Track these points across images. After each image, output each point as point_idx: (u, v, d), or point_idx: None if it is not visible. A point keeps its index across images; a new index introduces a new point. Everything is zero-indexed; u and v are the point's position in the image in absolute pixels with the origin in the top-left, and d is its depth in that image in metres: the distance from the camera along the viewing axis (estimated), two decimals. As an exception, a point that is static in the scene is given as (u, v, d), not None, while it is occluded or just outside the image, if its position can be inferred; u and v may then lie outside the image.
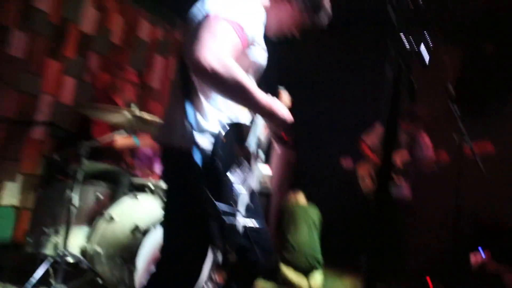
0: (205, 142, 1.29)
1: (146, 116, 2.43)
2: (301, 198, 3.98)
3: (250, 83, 1.25)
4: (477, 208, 3.80)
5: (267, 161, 4.18)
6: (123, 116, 2.41)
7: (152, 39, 4.11)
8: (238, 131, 1.41)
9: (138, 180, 3.01)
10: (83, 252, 2.49)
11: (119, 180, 2.90)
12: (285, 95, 1.75)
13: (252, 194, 1.57)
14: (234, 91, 1.22)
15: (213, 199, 1.21)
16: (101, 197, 2.66)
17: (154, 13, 4.07)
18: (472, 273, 3.05)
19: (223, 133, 1.30)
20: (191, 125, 1.28)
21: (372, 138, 3.84)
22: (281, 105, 1.41)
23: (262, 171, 4.00)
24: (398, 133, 0.84)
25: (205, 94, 1.35)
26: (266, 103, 1.31)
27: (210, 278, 2.60)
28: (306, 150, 4.92)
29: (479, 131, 3.78)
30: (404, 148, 3.73)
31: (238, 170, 1.39)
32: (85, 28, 3.52)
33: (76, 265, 2.52)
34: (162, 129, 1.46)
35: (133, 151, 3.87)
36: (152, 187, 2.87)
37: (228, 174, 1.32)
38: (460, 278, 3.00)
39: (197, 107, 1.33)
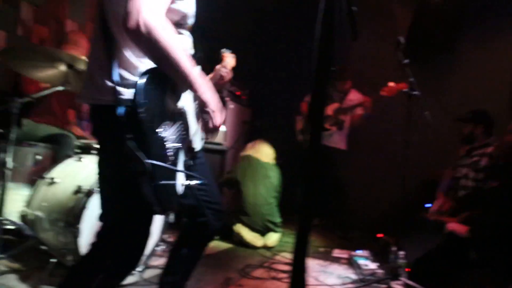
0: (130, 95, 1.19)
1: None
2: (263, 150, 3.84)
3: (183, 54, 1.20)
4: (425, 161, 3.98)
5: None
6: (55, 70, 2.21)
7: (94, -12, 3.77)
8: (167, 80, 1.28)
9: (84, 142, 2.85)
10: (23, 217, 2.34)
11: (61, 142, 2.74)
12: (229, 57, 1.68)
13: (194, 152, 1.50)
14: (163, 57, 1.15)
15: (139, 155, 1.10)
16: (40, 157, 2.48)
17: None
18: (419, 226, 3.22)
19: (146, 78, 1.17)
20: (116, 80, 1.19)
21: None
22: (206, 85, 1.33)
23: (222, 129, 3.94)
24: (327, 85, 0.81)
25: (130, 46, 1.23)
26: (195, 80, 1.26)
27: (161, 239, 2.56)
28: (260, 108, 4.88)
29: (429, 85, 3.91)
30: (336, 102, 4.09)
31: (173, 126, 1.30)
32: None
33: (16, 232, 2.39)
34: (86, 85, 1.32)
35: (79, 111, 3.66)
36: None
37: (158, 129, 1.21)
38: (409, 231, 3.16)
39: (121, 60, 1.23)
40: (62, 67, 2.25)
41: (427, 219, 3.13)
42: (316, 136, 0.74)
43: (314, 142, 0.73)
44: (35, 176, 2.44)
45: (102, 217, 1.39)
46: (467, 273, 2.38)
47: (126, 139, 1.12)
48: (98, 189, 1.41)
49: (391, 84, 3.22)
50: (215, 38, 1.75)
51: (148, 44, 1.12)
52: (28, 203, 2.36)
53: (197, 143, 1.53)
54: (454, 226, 2.47)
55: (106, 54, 1.22)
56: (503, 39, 4.18)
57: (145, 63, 1.25)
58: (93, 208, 2.12)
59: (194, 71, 1.25)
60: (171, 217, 2.60)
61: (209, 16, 3.10)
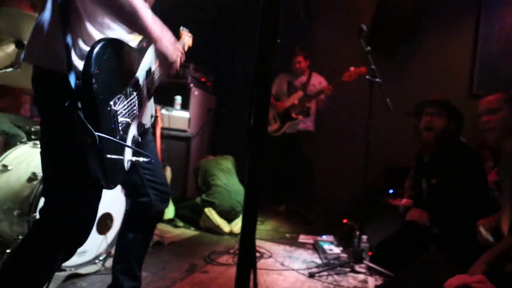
0: (75, 59, 1.14)
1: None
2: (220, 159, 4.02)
3: (143, 6, 1.18)
4: (387, 147, 4.10)
5: (185, 104, 4.02)
6: (2, 51, 2.05)
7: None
8: (122, 52, 1.24)
9: (39, 127, 2.70)
10: (-27, 207, 2.20)
11: (15, 128, 2.58)
12: (186, 35, 1.66)
13: (143, 130, 1.46)
14: (124, 9, 1.14)
15: (88, 125, 1.05)
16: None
17: None
18: (382, 211, 3.31)
19: (100, 46, 1.12)
20: (69, 47, 1.13)
21: (276, 86, 4.23)
22: (172, 39, 1.34)
23: (180, 114, 3.88)
24: (272, 58, 0.79)
25: (87, 12, 1.18)
26: (157, 32, 1.26)
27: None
28: (224, 95, 4.83)
29: (390, 74, 4.00)
30: (299, 89, 4.10)
31: (125, 101, 1.25)
32: None
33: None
34: (34, 45, 1.23)
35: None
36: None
37: (110, 102, 1.17)
38: (372, 216, 3.24)
39: (76, 27, 1.18)
40: (10, 48, 2.08)
41: (390, 204, 3.22)
42: (261, 115, 0.71)
43: (259, 123, 0.70)
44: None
45: (45, 193, 1.31)
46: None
47: (75, 109, 1.06)
48: (41, 163, 1.30)
49: (352, 68, 3.27)
50: (179, 23, 1.69)
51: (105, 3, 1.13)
52: (-22, 192, 2.22)
53: (148, 120, 1.50)
54: (415, 214, 2.55)
55: (62, 20, 1.15)
56: (461, 29, 4.34)
57: (107, 35, 1.22)
58: (50, 196, 2.03)
59: (152, 22, 1.23)
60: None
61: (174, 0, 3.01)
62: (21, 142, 2.46)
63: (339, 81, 3.45)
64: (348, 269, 2.65)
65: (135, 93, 1.32)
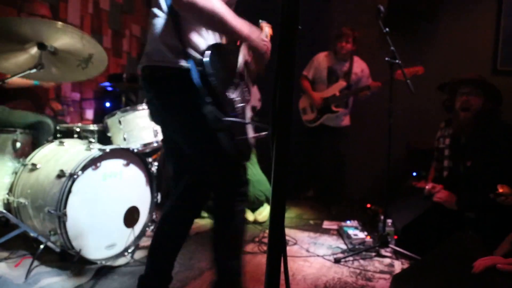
0: (193, 65, 1.40)
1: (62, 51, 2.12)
2: None
3: (228, 12, 1.38)
4: (409, 129, 4.02)
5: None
6: (27, 54, 2.10)
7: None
8: (225, 52, 1.51)
9: (65, 126, 2.77)
10: (7, 206, 2.29)
11: (41, 127, 2.65)
12: (266, 26, 1.77)
13: (256, 111, 1.65)
14: (212, 20, 1.35)
15: (219, 115, 1.35)
16: (19, 144, 2.40)
17: None
18: (406, 194, 3.25)
19: (210, 51, 1.41)
20: (177, 50, 1.41)
21: (313, 70, 3.93)
22: (258, 34, 1.54)
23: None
24: (295, 46, 0.79)
25: (191, 23, 1.43)
26: (245, 31, 1.46)
27: (151, 219, 2.54)
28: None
29: (411, 54, 3.90)
30: (341, 78, 3.79)
31: (237, 90, 1.51)
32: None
33: (2, 220, 2.34)
34: (154, 50, 1.47)
35: (59, 96, 3.56)
36: (79, 131, 2.68)
37: (227, 93, 1.45)
38: (396, 200, 3.20)
39: (188, 40, 1.43)
40: (33, 50, 2.11)
41: (414, 187, 3.17)
42: (285, 106, 0.70)
43: (284, 114, 0.69)
44: (16, 162, 2.37)
45: (177, 175, 1.66)
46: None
47: (205, 102, 1.36)
48: (167, 152, 1.72)
49: (406, 69, 2.88)
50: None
51: (194, 12, 1.33)
52: (11, 191, 2.30)
53: (257, 103, 1.69)
54: (442, 196, 2.50)
55: (177, 29, 1.41)
56: (482, 7, 4.18)
57: (207, 40, 1.48)
58: (78, 191, 2.09)
59: (238, 24, 1.43)
60: (159, 197, 2.58)
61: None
62: (48, 141, 2.54)
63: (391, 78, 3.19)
64: (373, 254, 2.64)
65: (241, 82, 1.56)
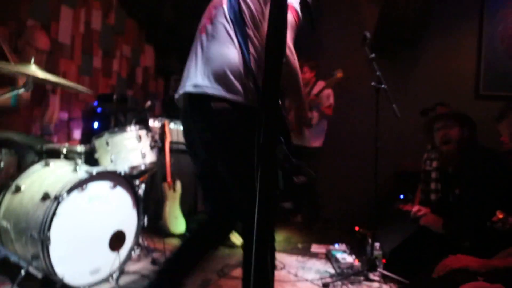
0: None
1: (48, 76, 2.11)
2: None
3: (300, 78, 1.60)
4: (395, 152, 4.07)
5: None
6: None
7: (56, -14, 3.61)
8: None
9: (51, 146, 2.73)
10: (-12, 229, 2.22)
11: (26, 148, 2.61)
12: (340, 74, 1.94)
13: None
14: (293, 78, 1.54)
15: (287, 154, 1.38)
16: (2, 165, 2.35)
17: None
18: (394, 217, 3.27)
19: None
20: (247, 86, 1.47)
21: None
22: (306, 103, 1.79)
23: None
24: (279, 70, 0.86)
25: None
26: (303, 99, 1.69)
27: (137, 243, 2.50)
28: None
29: (396, 79, 4.00)
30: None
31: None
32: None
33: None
34: (205, 82, 1.50)
35: (44, 116, 3.52)
36: (66, 152, 2.64)
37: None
38: (384, 223, 3.21)
39: (256, 73, 1.47)
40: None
41: (401, 210, 3.19)
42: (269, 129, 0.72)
43: (267, 136, 0.71)
44: (-1, 184, 2.32)
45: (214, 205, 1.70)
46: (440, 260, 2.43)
47: (278, 141, 1.34)
48: (205, 187, 1.77)
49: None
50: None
51: (286, 66, 1.44)
52: (-7, 213, 2.24)
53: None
54: (428, 219, 2.51)
55: (248, 70, 1.46)
56: (465, 31, 4.33)
57: None
58: (63, 214, 2.05)
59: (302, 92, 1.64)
60: (145, 220, 2.54)
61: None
62: (33, 162, 2.49)
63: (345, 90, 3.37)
64: (362, 278, 2.63)
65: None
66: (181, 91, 1.62)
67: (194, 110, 1.55)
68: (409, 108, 3.47)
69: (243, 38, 1.47)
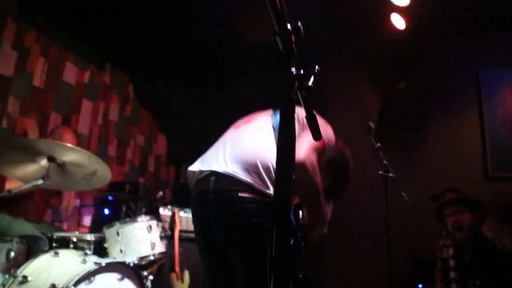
0: None
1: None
2: None
3: (322, 197, 1.61)
4: (409, 240, 3.96)
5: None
6: (36, 164, 2.20)
7: (79, 82, 3.93)
8: None
9: (61, 235, 2.74)
10: (-10, 323, 2.14)
11: (36, 238, 2.62)
12: None
13: None
14: (312, 195, 1.57)
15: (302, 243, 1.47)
16: (13, 254, 2.34)
17: (81, 56, 3.93)
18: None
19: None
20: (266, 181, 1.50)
21: None
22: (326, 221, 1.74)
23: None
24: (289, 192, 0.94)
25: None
26: (326, 220, 1.71)
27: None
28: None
29: (403, 165, 4.04)
30: None
31: None
32: (3, 70, 3.27)
33: None
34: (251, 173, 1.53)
35: (60, 204, 3.57)
36: (76, 241, 2.63)
37: None
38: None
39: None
40: (43, 161, 2.23)
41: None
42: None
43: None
44: (7, 273, 2.29)
45: None
46: None
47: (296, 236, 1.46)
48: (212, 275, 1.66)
49: None
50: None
51: (306, 175, 1.49)
52: (-3, 306, 2.18)
53: None
54: None
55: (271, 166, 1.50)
56: (465, 114, 4.49)
57: None
58: (68, 309, 1.98)
59: (324, 210, 1.65)
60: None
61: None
62: (43, 251, 2.48)
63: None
64: None
65: None
66: (202, 167, 1.60)
67: (218, 193, 1.51)
68: (420, 194, 3.46)
69: None
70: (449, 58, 4.49)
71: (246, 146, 1.58)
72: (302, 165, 1.48)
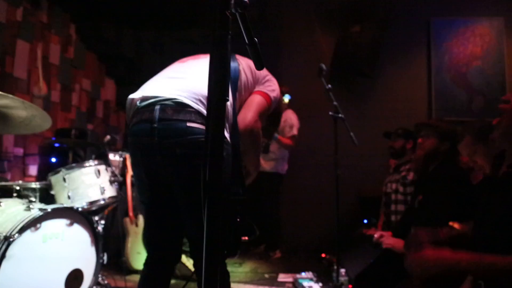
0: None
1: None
2: None
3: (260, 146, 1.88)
4: (357, 179, 4.18)
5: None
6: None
7: (10, 20, 3.55)
8: None
9: (2, 184, 2.60)
10: None
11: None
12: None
13: None
14: (254, 145, 1.77)
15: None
16: None
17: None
18: (358, 242, 3.31)
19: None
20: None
21: None
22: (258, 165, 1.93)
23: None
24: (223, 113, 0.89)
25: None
26: (258, 163, 1.90)
27: (96, 282, 2.38)
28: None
29: (353, 107, 4.17)
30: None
31: None
32: None
33: None
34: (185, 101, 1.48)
35: (-1, 152, 3.37)
36: (20, 190, 2.52)
37: None
38: (349, 248, 3.24)
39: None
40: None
41: (365, 235, 3.24)
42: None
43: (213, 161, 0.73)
44: None
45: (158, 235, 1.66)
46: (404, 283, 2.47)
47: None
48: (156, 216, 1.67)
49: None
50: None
51: (251, 137, 1.69)
52: None
53: None
54: (390, 241, 2.57)
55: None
56: (414, 61, 4.64)
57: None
58: (13, 256, 1.93)
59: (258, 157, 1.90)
60: (105, 257, 2.44)
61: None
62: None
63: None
64: (329, 305, 2.61)
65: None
66: (145, 93, 1.51)
67: (164, 122, 1.41)
68: (368, 135, 3.60)
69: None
70: (403, 4, 4.53)
71: (195, 77, 1.52)
72: (249, 130, 1.65)
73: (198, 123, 1.41)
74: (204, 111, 1.40)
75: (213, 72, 0.72)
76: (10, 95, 1.94)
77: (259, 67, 0.89)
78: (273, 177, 4.11)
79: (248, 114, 1.66)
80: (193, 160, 1.39)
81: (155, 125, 1.41)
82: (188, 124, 1.40)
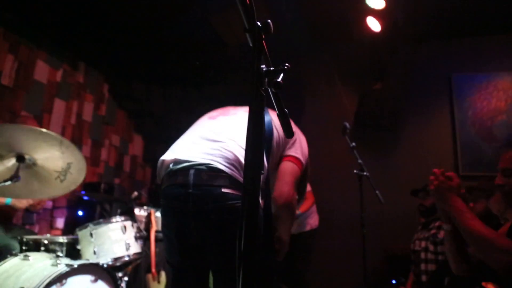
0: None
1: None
2: None
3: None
4: (384, 237, 4.04)
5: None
6: (2, 165, 2.10)
7: (51, 81, 3.82)
8: None
9: (31, 237, 2.65)
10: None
11: (7, 240, 2.54)
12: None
13: None
14: (292, 218, 1.75)
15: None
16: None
17: (53, 54, 3.82)
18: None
19: None
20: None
21: None
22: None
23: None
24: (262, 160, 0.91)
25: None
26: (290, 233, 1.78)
27: None
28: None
29: (378, 164, 4.13)
30: None
31: None
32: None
33: None
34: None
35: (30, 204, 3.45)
36: (47, 244, 2.56)
37: None
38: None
39: None
40: (11, 161, 2.13)
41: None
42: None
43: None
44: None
45: None
46: None
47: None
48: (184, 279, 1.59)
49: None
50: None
51: (288, 210, 1.67)
52: (-38, 313, 2.09)
53: None
54: None
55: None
56: (438, 115, 4.63)
57: None
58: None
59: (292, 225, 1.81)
60: None
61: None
62: (12, 255, 2.40)
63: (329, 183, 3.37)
64: None
65: None
66: (178, 156, 1.50)
67: (199, 187, 1.40)
68: (394, 192, 3.54)
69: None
70: (423, 61, 4.62)
71: (227, 139, 1.51)
72: (287, 205, 1.64)
73: (232, 188, 1.41)
74: (238, 176, 1.41)
75: (249, 148, 0.75)
76: (52, 132, 1.98)
77: (289, 135, 0.93)
78: (306, 235, 3.95)
79: (285, 189, 1.62)
80: (228, 226, 1.38)
81: (190, 190, 1.40)
82: (223, 190, 1.39)
